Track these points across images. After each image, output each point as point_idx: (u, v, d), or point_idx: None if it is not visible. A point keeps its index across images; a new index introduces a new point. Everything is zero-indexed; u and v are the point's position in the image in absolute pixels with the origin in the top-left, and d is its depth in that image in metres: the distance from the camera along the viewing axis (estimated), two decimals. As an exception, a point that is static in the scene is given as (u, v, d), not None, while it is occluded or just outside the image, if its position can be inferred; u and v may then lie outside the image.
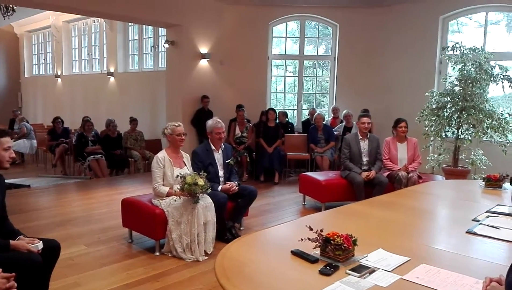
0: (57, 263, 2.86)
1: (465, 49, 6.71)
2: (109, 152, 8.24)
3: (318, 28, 9.81)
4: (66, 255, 3.91)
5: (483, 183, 4.15)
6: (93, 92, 12.26)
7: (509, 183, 3.99)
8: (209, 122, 4.69)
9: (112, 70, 11.51)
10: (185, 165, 4.30)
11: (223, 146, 4.72)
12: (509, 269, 1.53)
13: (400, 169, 5.46)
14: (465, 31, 8.33)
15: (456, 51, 6.76)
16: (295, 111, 9.74)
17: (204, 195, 4.00)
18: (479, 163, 6.62)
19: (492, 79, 6.58)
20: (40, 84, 14.77)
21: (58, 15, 12.68)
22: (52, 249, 2.73)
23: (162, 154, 4.18)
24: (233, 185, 4.51)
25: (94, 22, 12.36)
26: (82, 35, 13.03)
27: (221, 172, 4.64)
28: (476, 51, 6.66)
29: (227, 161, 4.68)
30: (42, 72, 15.11)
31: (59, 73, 13.55)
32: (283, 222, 3.60)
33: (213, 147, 4.62)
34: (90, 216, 5.39)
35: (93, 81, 12.34)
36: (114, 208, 5.33)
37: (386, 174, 5.56)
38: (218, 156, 4.65)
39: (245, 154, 7.85)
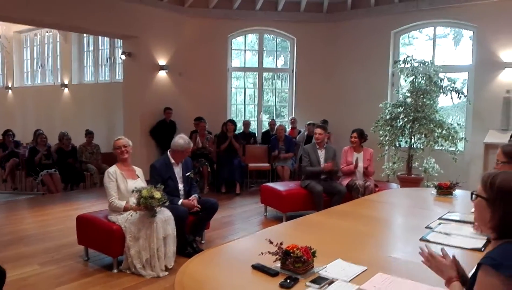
0: (8, 285, 2.74)
1: (415, 62, 7.03)
2: (63, 165, 7.94)
3: (276, 41, 9.97)
4: (18, 276, 3.75)
5: (435, 190, 4.32)
6: (46, 104, 11.81)
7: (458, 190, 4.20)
8: (181, 142, 4.52)
9: (66, 81, 11.16)
10: (138, 177, 4.23)
11: (183, 159, 4.67)
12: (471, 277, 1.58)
13: (356, 167, 5.64)
14: (416, 44, 8.74)
15: (407, 64, 7.05)
16: (256, 122, 9.81)
17: (163, 208, 3.94)
18: (432, 171, 6.91)
19: (441, 90, 6.92)
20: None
21: (8, 25, 12.17)
22: None
23: (113, 169, 4.10)
24: (195, 202, 4.46)
25: (47, 32, 11.98)
26: (35, 46, 12.58)
27: (181, 186, 4.58)
28: (426, 64, 6.99)
29: (187, 174, 4.63)
30: (-9, 84, 14.44)
31: (9, 85, 12.99)
32: (245, 235, 3.60)
33: (172, 161, 4.56)
34: (43, 233, 5.16)
35: (46, 93, 11.91)
36: (69, 225, 5.12)
37: (345, 183, 5.69)
38: (178, 169, 4.59)
39: (206, 164, 7.80)
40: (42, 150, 7.82)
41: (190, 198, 4.51)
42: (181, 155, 4.55)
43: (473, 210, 1.70)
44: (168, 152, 4.61)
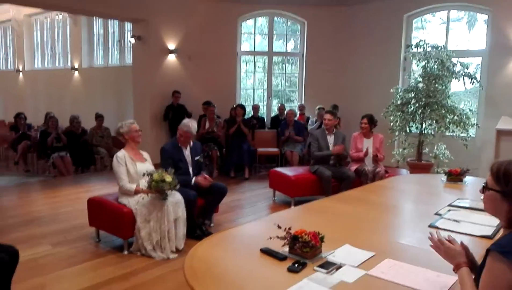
0: (20, 265, 2.80)
1: (428, 46, 6.91)
2: (74, 148, 8.02)
3: (287, 24, 9.86)
4: (30, 256, 3.83)
5: (445, 177, 4.29)
6: (56, 87, 11.89)
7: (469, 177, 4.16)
8: (184, 122, 4.61)
9: (76, 65, 11.20)
10: (146, 160, 4.27)
11: (192, 143, 4.69)
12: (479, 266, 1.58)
13: (365, 155, 5.61)
14: (429, 28, 8.58)
15: (420, 48, 6.94)
16: (265, 107, 9.77)
17: (173, 191, 3.97)
18: (442, 157, 6.85)
19: (453, 76, 6.81)
20: (1, 79, 14.19)
21: (19, 8, 12.21)
22: (9, 255, 2.65)
23: (121, 153, 4.12)
24: (207, 177, 4.52)
25: (57, 15, 11.98)
26: (45, 30, 12.60)
27: (191, 169, 4.61)
28: (439, 48, 6.87)
29: (196, 158, 4.65)
30: (3, 67, 14.54)
31: (20, 68, 13.07)
32: (253, 219, 3.63)
33: (180, 144, 4.59)
34: (55, 215, 5.24)
35: (56, 76, 11.98)
36: (80, 207, 5.21)
37: (353, 168, 5.68)
38: (187, 152, 4.63)
39: (215, 148, 7.81)
40: (53, 133, 7.89)
41: (202, 175, 4.57)
42: (180, 137, 4.57)
43: (482, 197, 1.67)
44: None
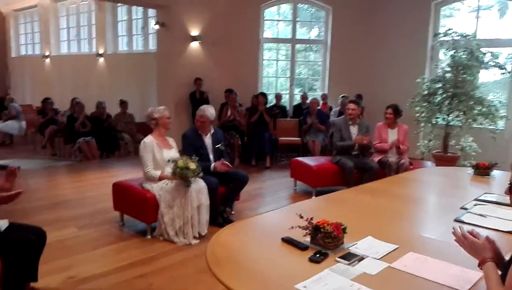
0: (47, 246, 2.88)
1: (456, 35, 6.71)
2: (99, 133, 8.16)
3: (311, 11, 9.72)
4: (57, 238, 3.93)
5: (472, 170, 4.19)
6: (82, 73, 12.07)
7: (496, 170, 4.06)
8: (201, 107, 4.65)
9: (101, 51, 11.33)
10: (172, 147, 4.31)
11: (213, 131, 4.70)
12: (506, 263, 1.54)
13: (391, 146, 5.52)
14: (458, 16, 8.33)
15: (448, 37, 6.74)
16: (287, 95, 9.71)
17: (197, 178, 4.00)
18: (469, 150, 6.68)
19: (483, 66, 6.60)
20: (28, 64, 14.50)
21: (45, -7, 12.41)
22: (37, 236, 2.74)
23: (149, 139, 4.16)
24: (225, 163, 4.51)
25: (82, 1, 12.11)
26: (70, 15, 12.77)
27: (211, 156, 4.63)
28: (468, 37, 6.66)
29: (217, 146, 4.66)
30: (30, 52, 14.83)
31: (47, 53, 13.31)
32: (274, 208, 3.62)
33: (200, 131, 4.61)
34: (80, 199, 5.37)
35: (82, 62, 12.16)
36: (104, 191, 5.29)
37: (377, 159, 5.61)
38: (208, 140, 4.64)
39: (237, 136, 7.82)
40: (80, 118, 8.05)
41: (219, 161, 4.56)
42: (197, 121, 4.59)
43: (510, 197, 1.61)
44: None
